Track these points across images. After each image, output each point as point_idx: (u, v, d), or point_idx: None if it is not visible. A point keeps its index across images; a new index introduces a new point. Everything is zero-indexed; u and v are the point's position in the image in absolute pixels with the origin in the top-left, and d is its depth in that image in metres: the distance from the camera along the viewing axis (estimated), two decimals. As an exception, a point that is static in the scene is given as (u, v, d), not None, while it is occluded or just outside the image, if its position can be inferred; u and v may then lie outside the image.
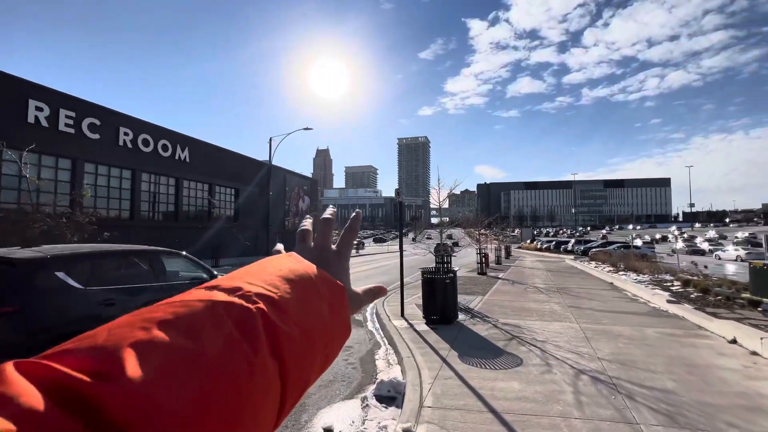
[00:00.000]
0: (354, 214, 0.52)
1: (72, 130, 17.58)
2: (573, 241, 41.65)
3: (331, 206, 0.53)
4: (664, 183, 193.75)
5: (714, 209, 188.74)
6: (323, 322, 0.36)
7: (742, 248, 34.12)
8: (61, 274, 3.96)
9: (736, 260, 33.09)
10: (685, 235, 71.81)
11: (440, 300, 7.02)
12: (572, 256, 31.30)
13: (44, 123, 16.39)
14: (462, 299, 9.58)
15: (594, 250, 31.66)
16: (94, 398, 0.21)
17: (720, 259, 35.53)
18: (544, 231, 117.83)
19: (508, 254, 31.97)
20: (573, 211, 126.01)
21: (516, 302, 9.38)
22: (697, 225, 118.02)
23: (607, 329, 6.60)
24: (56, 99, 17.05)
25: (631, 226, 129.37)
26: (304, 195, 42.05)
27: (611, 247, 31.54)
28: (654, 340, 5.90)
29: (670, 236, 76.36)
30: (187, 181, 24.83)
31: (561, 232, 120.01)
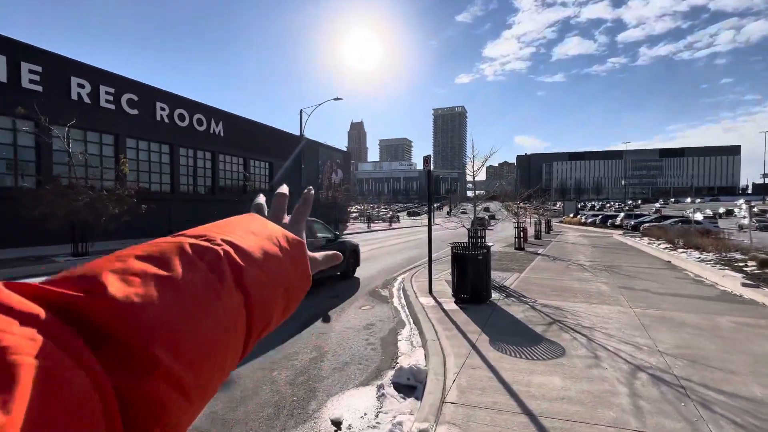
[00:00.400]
0: (306, 190, 0.56)
1: (112, 106, 18.17)
2: (622, 214, 38.59)
3: (285, 185, 0.57)
4: (733, 151, 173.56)
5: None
6: (284, 267, 0.40)
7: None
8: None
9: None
10: (756, 209, 64.51)
11: (471, 277, 6.41)
12: (621, 231, 28.96)
13: (86, 99, 17.01)
14: (496, 276, 8.90)
15: (646, 224, 29.08)
16: (83, 310, 0.25)
17: (743, 230, 31.40)
18: (589, 205, 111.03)
19: (549, 228, 30.24)
20: (623, 183, 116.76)
21: (557, 281, 8.54)
22: (767, 198, 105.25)
23: (668, 316, 5.69)
24: (96, 76, 17.56)
25: (689, 200, 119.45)
26: (337, 168, 41.96)
27: (667, 221, 28.75)
28: (730, 332, 4.96)
29: (736, 210, 69.20)
30: (223, 155, 25.33)
31: (608, 206, 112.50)
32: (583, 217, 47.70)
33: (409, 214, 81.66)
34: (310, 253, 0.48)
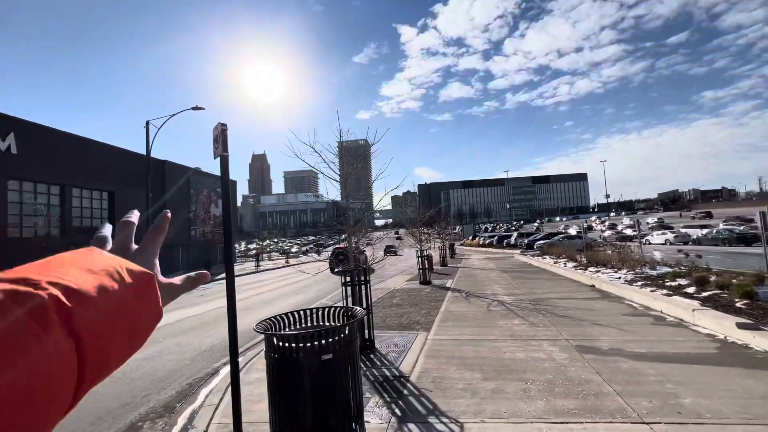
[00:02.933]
0: (162, 213, 0.53)
1: None
2: (515, 234, 40.35)
3: (135, 210, 0.53)
4: (582, 178, 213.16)
5: (622, 200, 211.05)
6: (127, 304, 0.37)
7: (671, 233, 34.94)
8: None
9: (665, 244, 33.64)
10: (606, 223, 76.92)
11: (309, 420, 2.55)
12: (518, 251, 29.21)
13: None
14: (390, 345, 5.28)
15: (539, 242, 29.96)
16: None
17: (650, 244, 36.33)
18: (483, 227, 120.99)
19: (452, 253, 28.95)
20: (507, 206, 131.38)
21: (484, 344, 5.29)
22: (612, 214, 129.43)
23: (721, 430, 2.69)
24: None
25: (558, 218, 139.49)
26: (217, 199, 35.33)
27: (555, 238, 30.03)
28: None
29: (594, 225, 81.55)
30: (16, 181, 17.62)
31: (498, 227, 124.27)
32: (481, 239, 49.42)
33: (316, 246, 75.69)
34: (165, 280, 0.45)
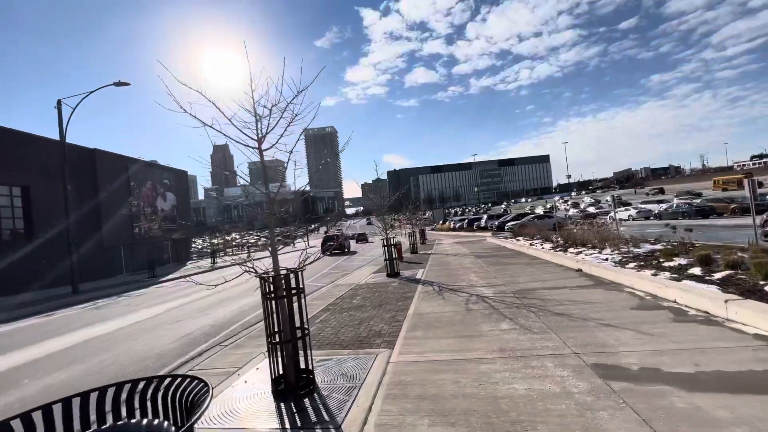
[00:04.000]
0: None
1: None
2: (485, 217, 39.90)
3: None
4: (545, 160, 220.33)
5: (582, 179, 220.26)
6: None
7: (633, 209, 35.66)
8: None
9: (628, 219, 34.26)
10: (569, 202, 79.31)
11: None
12: (489, 233, 28.53)
13: None
14: (336, 384, 3.62)
15: (510, 223, 29.42)
16: None
17: (614, 219, 37.07)
18: (452, 211, 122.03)
19: (423, 238, 27.78)
20: (476, 189, 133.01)
21: (466, 371, 3.79)
22: (573, 193, 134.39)
23: None
24: None
25: (523, 199, 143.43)
26: (164, 191, 31.95)
27: (525, 218, 29.57)
28: None
29: (559, 204, 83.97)
30: None
31: (467, 210, 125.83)
32: (452, 223, 48.84)
33: (284, 239, 72.38)
34: None
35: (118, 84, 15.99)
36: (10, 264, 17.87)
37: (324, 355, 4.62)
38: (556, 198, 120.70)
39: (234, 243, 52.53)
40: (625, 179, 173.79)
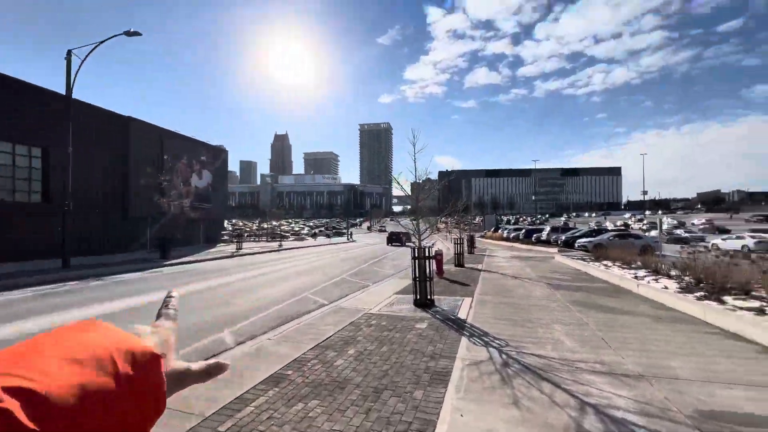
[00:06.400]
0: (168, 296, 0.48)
1: None
2: (548, 228, 34.02)
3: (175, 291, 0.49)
4: (616, 172, 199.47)
5: (658, 198, 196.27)
6: (118, 403, 0.31)
7: (750, 237, 27.88)
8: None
9: (742, 249, 26.78)
10: (645, 222, 68.96)
11: None
12: (555, 249, 23.28)
13: None
14: None
15: (583, 240, 23.85)
16: None
17: (719, 249, 29.46)
18: (504, 219, 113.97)
19: (472, 247, 23.36)
20: (533, 198, 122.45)
21: None
22: (648, 212, 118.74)
23: None
24: None
25: (587, 214, 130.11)
26: (201, 168, 30.73)
27: (605, 236, 23.82)
28: None
29: (631, 222, 73.53)
30: None
31: (522, 219, 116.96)
32: (505, 232, 43.28)
33: (326, 230, 70.92)
34: (178, 365, 0.38)
35: (128, 34, 13.78)
36: (21, 234, 16.76)
37: None
38: (627, 215, 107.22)
39: (278, 229, 51.23)
40: (713, 201, 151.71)
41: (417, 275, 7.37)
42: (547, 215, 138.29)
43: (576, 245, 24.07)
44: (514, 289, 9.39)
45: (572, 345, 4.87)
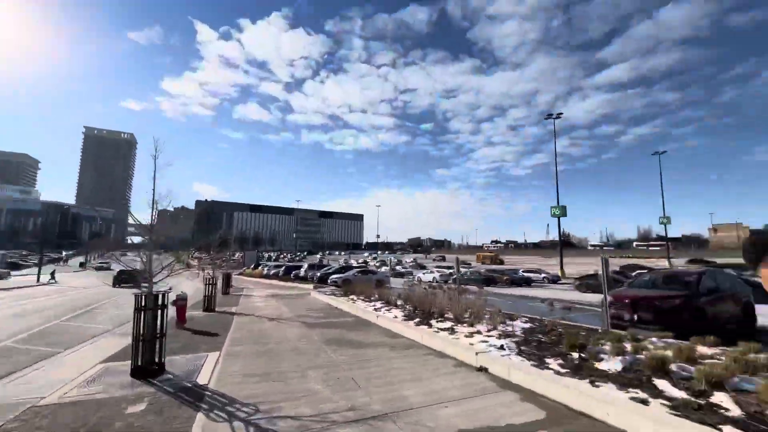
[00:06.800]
0: None
1: None
2: (305, 266, 35.88)
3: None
4: (359, 218, 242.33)
5: (387, 241, 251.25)
6: None
7: (437, 271, 39.42)
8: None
9: (432, 282, 37.47)
10: (377, 259, 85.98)
11: None
12: (311, 285, 24.54)
13: None
14: None
15: (335, 276, 26.42)
16: None
17: (422, 280, 40.08)
18: (266, 255, 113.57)
19: (228, 286, 21.04)
20: (294, 236, 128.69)
21: None
22: (379, 252, 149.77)
23: None
24: None
25: (338, 252, 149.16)
26: None
27: (351, 272, 27.36)
28: None
29: (369, 260, 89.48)
30: None
31: (283, 256, 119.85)
32: (266, 269, 42.46)
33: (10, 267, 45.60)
34: None
35: None
36: None
37: None
38: (366, 254, 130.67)
39: None
40: (417, 245, 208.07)
41: (141, 333, 5.41)
42: (305, 252, 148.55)
43: (329, 281, 26.32)
44: (270, 333, 8.69)
45: (327, 393, 4.64)
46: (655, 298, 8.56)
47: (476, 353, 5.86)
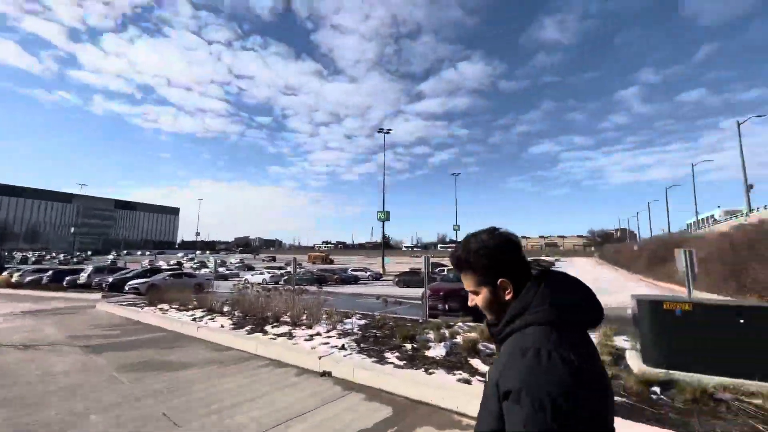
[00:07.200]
0: None
1: None
2: (90, 269, 27.44)
3: None
4: (175, 212, 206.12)
5: (208, 239, 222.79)
6: None
7: (268, 273, 37.33)
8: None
9: (262, 283, 35.25)
10: (195, 261, 75.35)
11: None
12: (99, 295, 18.80)
13: None
14: None
15: (136, 282, 21.13)
16: None
17: (250, 282, 36.97)
18: (20, 255, 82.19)
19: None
20: (72, 230, 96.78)
21: None
22: (198, 252, 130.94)
23: None
24: None
25: (140, 252, 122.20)
26: None
27: (160, 276, 22.60)
28: None
29: (184, 262, 77.32)
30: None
31: (51, 257, 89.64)
32: (18, 275, 30.14)
33: None
34: None
35: None
36: None
37: None
38: (180, 254, 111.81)
39: None
40: (245, 245, 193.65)
41: None
42: (90, 252, 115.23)
43: (126, 287, 20.98)
44: (21, 369, 5.96)
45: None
46: (460, 290, 10.40)
47: (319, 357, 5.57)
